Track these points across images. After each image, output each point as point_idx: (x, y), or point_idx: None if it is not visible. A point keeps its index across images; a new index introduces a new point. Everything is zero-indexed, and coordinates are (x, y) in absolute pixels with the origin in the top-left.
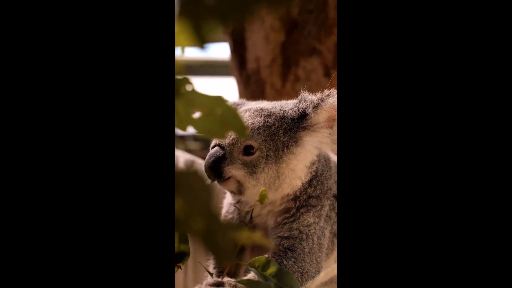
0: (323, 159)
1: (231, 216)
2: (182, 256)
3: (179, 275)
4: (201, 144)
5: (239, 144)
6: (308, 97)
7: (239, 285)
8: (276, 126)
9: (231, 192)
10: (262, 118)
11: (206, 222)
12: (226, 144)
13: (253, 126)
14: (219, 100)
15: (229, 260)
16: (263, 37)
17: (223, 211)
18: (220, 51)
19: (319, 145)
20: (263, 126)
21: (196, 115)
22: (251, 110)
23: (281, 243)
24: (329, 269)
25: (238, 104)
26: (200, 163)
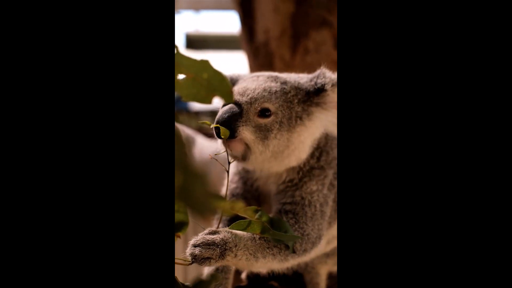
0: (324, 132)
1: (234, 185)
2: (181, 226)
3: (179, 244)
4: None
5: (256, 105)
6: (328, 74)
7: (233, 230)
8: (292, 94)
9: (234, 157)
10: (278, 83)
11: (182, 176)
12: (243, 102)
13: (270, 89)
14: (205, 64)
15: (206, 211)
16: (272, 8)
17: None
18: (226, 24)
19: (327, 124)
20: (280, 91)
21: (181, 78)
22: (265, 76)
23: (283, 207)
24: (330, 236)
25: (238, 76)
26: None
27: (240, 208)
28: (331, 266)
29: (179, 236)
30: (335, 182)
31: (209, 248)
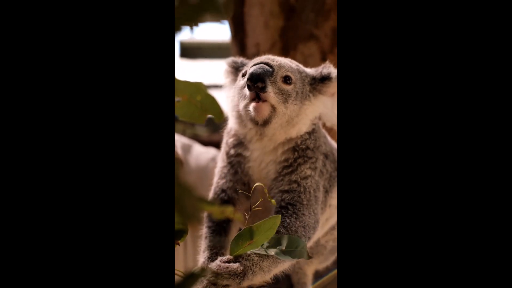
0: (316, 120)
1: (223, 180)
2: (181, 233)
3: (179, 251)
4: (210, 130)
5: (283, 70)
6: (332, 67)
7: (250, 253)
8: (303, 74)
9: (256, 122)
10: (294, 64)
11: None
12: (275, 64)
13: (290, 65)
14: (198, 86)
15: (194, 221)
16: (262, 23)
17: (216, 178)
18: (220, 33)
19: (325, 108)
20: (297, 69)
21: (177, 101)
22: (279, 57)
23: (283, 197)
24: (324, 219)
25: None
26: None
27: (230, 212)
28: (317, 265)
29: (178, 244)
30: (324, 170)
31: (230, 278)
